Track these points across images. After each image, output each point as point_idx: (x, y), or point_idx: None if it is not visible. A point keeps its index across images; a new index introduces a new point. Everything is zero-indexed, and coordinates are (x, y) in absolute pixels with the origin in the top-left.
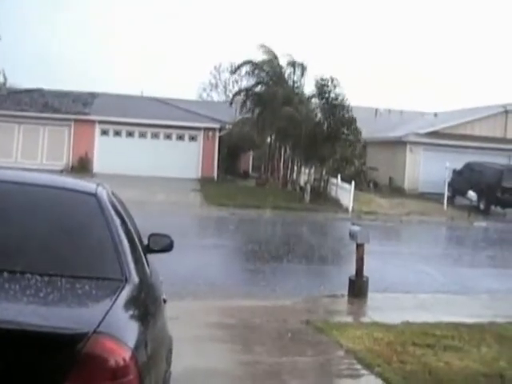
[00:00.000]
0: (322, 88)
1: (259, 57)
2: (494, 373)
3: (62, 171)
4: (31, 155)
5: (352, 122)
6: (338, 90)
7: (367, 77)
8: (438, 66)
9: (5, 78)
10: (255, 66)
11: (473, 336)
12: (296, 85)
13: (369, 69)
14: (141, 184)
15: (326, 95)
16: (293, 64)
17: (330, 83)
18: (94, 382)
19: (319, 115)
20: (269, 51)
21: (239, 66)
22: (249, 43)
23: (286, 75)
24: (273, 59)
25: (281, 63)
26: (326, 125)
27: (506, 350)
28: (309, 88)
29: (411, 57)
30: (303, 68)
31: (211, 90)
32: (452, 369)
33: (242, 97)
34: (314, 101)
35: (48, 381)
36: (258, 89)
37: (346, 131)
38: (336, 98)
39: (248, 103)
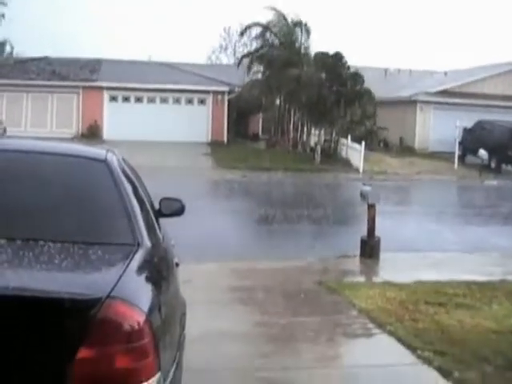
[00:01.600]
0: (325, 61)
1: (268, 18)
2: (505, 330)
3: (72, 139)
4: (40, 124)
5: (367, 93)
6: (346, 63)
7: (376, 37)
8: (448, 25)
9: (11, 47)
10: (264, 28)
11: (484, 294)
12: (303, 46)
13: (378, 28)
14: (151, 149)
15: (332, 66)
16: (300, 25)
17: (336, 59)
18: (108, 346)
19: (327, 80)
20: (278, 13)
21: (247, 28)
22: (258, 5)
23: (294, 37)
24: (282, 20)
25: (289, 25)
26: (335, 89)
27: None
28: (316, 49)
29: (421, 15)
30: (308, 31)
31: (220, 53)
32: (464, 326)
33: (249, 59)
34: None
35: (63, 347)
36: (266, 51)
37: (358, 101)
38: (344, 68)
39: (256, 65)
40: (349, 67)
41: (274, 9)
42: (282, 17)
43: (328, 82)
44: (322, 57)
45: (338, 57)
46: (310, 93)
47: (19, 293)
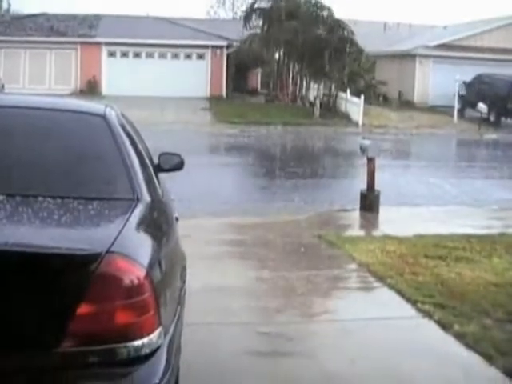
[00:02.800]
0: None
1: None
2: (504, 282)
3: (70, 95)
4: (39, 80)
5: (352, 39)
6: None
7: None
8: None
9: (8, 4)
10: None
11: (484, 247)
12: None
13: None
14: (149, 104)
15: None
16: None
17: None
18: (109, 301)
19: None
20: None
21: None
22: None
23: None
24: None
25: None
26: (329, 39)
27: None
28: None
29: None
30: None
31: (218, 8)
32: (464, 279)
33: (248, 12)
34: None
35: (63, 302)
36: (264, 4)
37: (348, 48)
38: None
39: (254, 18)
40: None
41: None
42: None
43: (321, 29)
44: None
45: (321, 5)
46: (307, 44)
47: (18, 248)
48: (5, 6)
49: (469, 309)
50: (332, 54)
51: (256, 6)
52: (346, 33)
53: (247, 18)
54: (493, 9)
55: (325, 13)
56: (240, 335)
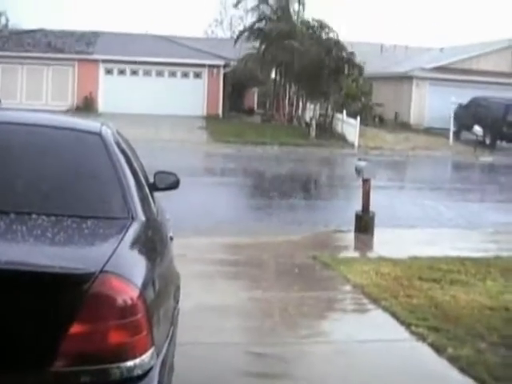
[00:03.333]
0: (314, 30)
1: None
2: (499, 306)
3: (67, 111)
4: (36, 96)
5: (351, 60)
6: (330, 34)
7: (372, 12)
8: (444, 1)
9: (6, 19)
10: (260, 1)
11: (478, 270)
12: (300, 20)
13: (374, 3)
14: (146, 122)
15: (321, 36)
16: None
17: (320, 28)
18: (102, 321)
19: (320, 51)
20: None
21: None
22: None
23: (291, 11)
24: None
25: None
26: (327, 61)
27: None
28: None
29: None
30: (304, 4)
31: (216, 27)
32: (458, 302)
33: (247, 32)
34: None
35: (56, 321)
36: (262, 24)
37: (346, 69)
38: (330, 39)
39: (252, 39)
40: (329, 32)
41: None
42: None
43: (317, 50)
44: (306, 23)
45: (321, 24)
46: (305, 64)
47: (12, 267)
48: (3, 21)
49: (463, 332)
50: (330, 75)
51: (254, 25)
52: (344, 54)
53: (240, 36)
54: (489, 32)
55: (324, 33)
56: (233, 355)
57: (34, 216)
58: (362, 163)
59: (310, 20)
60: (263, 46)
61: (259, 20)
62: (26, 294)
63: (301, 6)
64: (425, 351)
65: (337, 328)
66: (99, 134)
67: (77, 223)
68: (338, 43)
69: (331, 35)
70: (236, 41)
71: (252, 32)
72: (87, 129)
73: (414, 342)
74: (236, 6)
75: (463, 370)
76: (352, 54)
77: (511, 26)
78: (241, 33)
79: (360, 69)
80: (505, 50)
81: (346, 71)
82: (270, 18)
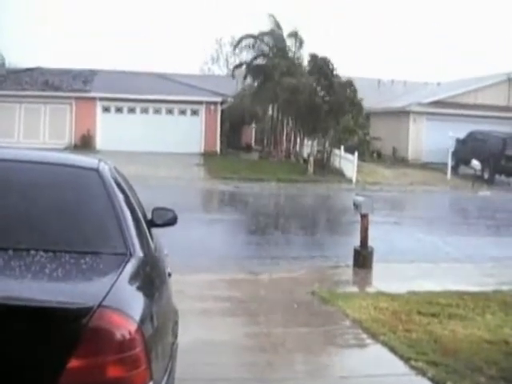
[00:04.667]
0: (317, 66)
1: (261, 28)
2: (498, 339)
3: (64, 149)
4: (33, 134)
5: (355, 99)
6: (334, 71)
7: (370, 47)
8: (441, 37)
9: (3, 58)
10: (256, 39)
11: (477, 304)
12: (296, 56)
13: (371, 39)
14: (144, 160)
15: (325, 75)
16: (294, 35)
17: (324, 64)
18: (100, 355)
19: (320, 88)
20: (273, 21)
21: (240, 40)
22: (250, 15)
23: (287, 47)
24: (275, 29)
25: (283, 34)
26: (327, 97)
27: (511, 317)
28: (307, 60)
29: (414, 27)
30: (301, 40)
31: (213, 64)
32: (457, 336)
33: (243, 70)
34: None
35: (54, 356)
36: (259, 61)
37: (348, 106)
38: (333, 76)
39: (249, 76)
40: (333, 70)
41: (272, 16)
42: (276, 27)
43: (318, 87)
44: (311, 60)
45: (325, 61)
46: (304, 102)
47: (10, 302)
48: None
49: (462, 366)
50: (329, 112)
51: (251, 63)
52: (348, 91)
53: (236, 69)
54: (486, 66)
55: (328, 70)
56: None
57: (32, 252)
58: (360, 198)
59: (310, 56)
60: (260, 83)
61: (256, 57)
62: (24, 329)
63: (297, 43)
64: None
65: (335, 363)
66: (97, 170)
67: (75, 259)
68: (346, 81)
69: (335, 73)
70: (232, 74)
71: (249, 69)
72: (85, 165)
73: (414, 376)
74: (234, 48)
75: None
76: (355, 91)
77: (508, 60)
78: (236, 66)
79: (360, 107)
80: (502, 83)
81: (346, 108)
82: (267, 54)
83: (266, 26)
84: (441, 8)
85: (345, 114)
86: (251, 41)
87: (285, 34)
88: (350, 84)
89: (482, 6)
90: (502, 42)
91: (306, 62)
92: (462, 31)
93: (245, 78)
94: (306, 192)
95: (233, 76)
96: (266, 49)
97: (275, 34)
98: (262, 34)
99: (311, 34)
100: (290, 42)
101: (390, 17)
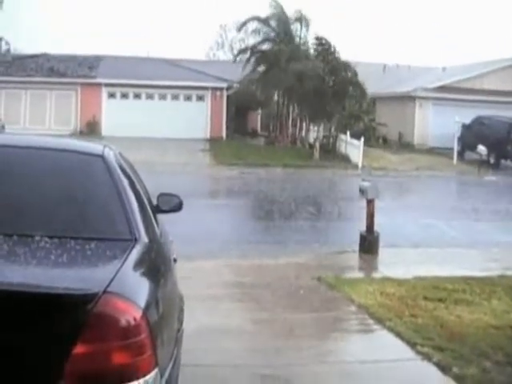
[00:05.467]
0: (321, 50)
1: (266, 12)
2: (504, 325)
3: (70, 135)
4: (39, 121)
5: (356, 81)
6: (337, 54)
7: (375, 32)
8: (446, 21)
9: (8, 44)
10: (262, 22)
11: (483, 289)
12: (302, 41)
13: (376, 24)
14: (149, 145)
15: (327, 57)
16: (299, 19)
17: (327, 47)
18: (105, 341)
19: (325, 71)
20: (277, 5)
21: (245, 23)
22: (255, 1)
23: (293, 32)
24: (280, 13)
25: (288, 17)
26: (331, 82)
27: None
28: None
29: (419, 11)
30: (307, 23)
31: (218, 50)
32: (463, 322)
33: (247, 55)
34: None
35: (59, 342)
36: (265, 46)
37: (351, 89)
38: (336, 58)
39: (254, 61)
40: (336, 52)
41: (275, 0)
42: (281, 11)
43: (323, 71)
44: (316, 43)
45: (328, 43)
46: (309, 87)
47: (15, 288)
48: (3, 46)
49: (468, 351)
50: (333, 96)
51: (256, 48)
52: (349, 74)
53: (240, 54)
54: (491, 51)
55: (329, 53)
56: (238, 377)
57: (37, 238)
58: (366, 183)
59: (315, 38)
60: (266, 68)
61: (261, 42)
62: (29, 315)
63: (303, 27)
64: (430, 371)
65: (342, 349)
66: (101, 156)
67: (80, 245)
68: (345, 63)
69: (337, 55)
70: (235, 57)
71: (254, 54)
72: (90, 151)
73: (420, 361)
74: (239, 30)
75: None
76: (356, 74)
77: None
78: (241, 51)
79: (362, 90)
80: (508, 68)
81: (349, 92)
82: (272, 39)
83: (270, 10)
84: None
85: (346, 96)
86: (256, 25)
87: (292, 18)
88: (348, 66)
89: None
90: (507, 26)
91: (310, 45)
92: (465, 15)
93: (249, 62)
94: (312, 177)
95: (236, 61)
96: (271, 34)
97: (281, 18)
98: (268, 18)
99: (316, 20)
100: (295, 27)
101: (394, 1)
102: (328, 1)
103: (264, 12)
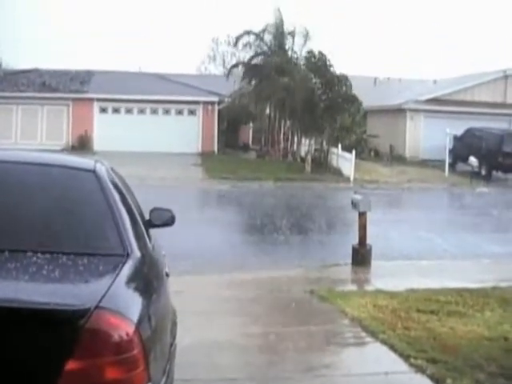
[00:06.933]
0: (315, 64)
1: (258, 25)
2: (497, 336)
3: (62, 150)
4: (31, 136)
5: (353, 97)
6: (331, 67)
7: (365, 46)
8: (436, 34)
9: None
10: (256, 36)
11: (476, 301)
12: (296, 55)
13: (367, 37)
14: (141, 160)
15: (321, 71)
16: (293, 34)
17: (322, 60)
18: (98, 357)
19: (317, 85)
20: (278, 15)
21: (239, 37)
22: (246, 15)
23: (287, 45)
24: (278, 25)
25: (284, 30)
26: (324, 96)
27: (510, 313)
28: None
29: (409, 24)
30: (306, 36)
31: (209, 64)
32: (456, 333)
33: (239, 69)
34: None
35: (52, 358)
36: (257, 60)
37: (346, 105)
38: (330, 72)
39: (246, 75)
40: (330, 66)
41: (277, 10)
42: (280, 22)
43: (315, 84)
44: (308, 57)
45: (322, 56)
46: (300, 100)
47: (7, 304)
48: None
49: (462, 363)
50: (325, 110)
51: (249, 62)
52: (343, 88)
53: (232, 69)
54: (482, 63)
55: (323, 66)
56: None
57: (29, 254)
58: (358, 196)
59: (307, 52)
60: (257, 82)
61: (253, 56)
62: (21, 331)
63: (299, 40)
64: (424, 383)
65: (335, 362)
66: (93, 171)
67: (72, 260)
68: (339, 77)
69: (331, 69)
70: (228, 74)
71: (246, 68)
72: (81, 166)
73: (413, 374)
74: (234, 45)
75: None
76: (350, 87)
77: (503, 56)
78: (233, 66)
79: (357, 102)
80: (499, 80)
81: (344, 107)
82: (264, 52)
83: (261, 25)
84: (434, 5)
85: (342, 110)
86: (249, 39)
87: (285, 32)
88: (345, 79)
89: (476, 2)
90: (497, 38)
91: (304, 58)
92: (455, 28)
93: (243, 77)
94: (304, 191)
95: (229, 75)
96: (264, 47)
97: (278, 30)
98: (262, 31)
99: (309, 33)
100: (289, 40)
101: (383, 15)
102: (318, 16)
103: (255, 25)
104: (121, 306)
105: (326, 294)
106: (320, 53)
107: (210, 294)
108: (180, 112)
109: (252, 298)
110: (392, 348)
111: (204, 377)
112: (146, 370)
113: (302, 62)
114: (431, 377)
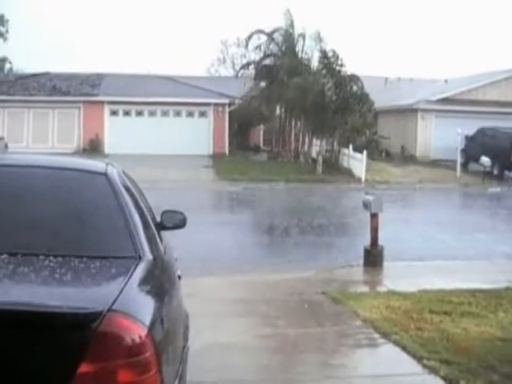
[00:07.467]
0: (327, 64)
1: (270, 28)
2: (511, 337)
3: (73, 154)
4: (42, 139)
5: (364, 97)
6: (343, 67)
7: (376, 46)
8: (447, 33)
9: (10, 63)
10: (266, 36)
11: (489, 302)
12: (307, 56)
13: (377, 37)
14: (152, 162)
15: (333, 70)
16: (303, 35)
17: (334, 60)
18: (110, 360)
19: (329, 85)
20: (288, 16)
21: (250, 36)
22: (255, 17)
23: (298, 47)
24: (288, 26)
25: (295, 32)
26: (335, 97)
27: None
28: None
29: (420, 24)
30: (318, 37)
31: (219, 66)
32: (469, 334)
33: (250, 70)
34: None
35: (65, 361)
36: (268, 61)
37: (357, 105)
38: (342, 73)
39: (257, 76)
40: (342, 65)
41: (287, 12)
42: (290, 23)
43: (327, 85)
44: (321, 57)
45: (334, 55)
46: (311, 101)
47: (20, 307)
48: (7, 66)
49: (475, 364)
50: (336, 111)
51: (260, 63)
52: (355, 88)
53: (242, 69)
54: (493, 62)
55: (336, 65)
56: None
57: (41, 257)
58: (370, 197)
59: (320, 52)
60: (268, 83)
61: (264, 57)
62: (34, 335)
63: (311, 42)
64: None
65: (348, 363)
66: (105, 174)
67: (84, 263)
68: (351, 77)
69: (343, 69)
70: (238, 73)
71: (257, 69)
72: (93, 169)
73: (427, 375)
74: (246, 45)
75: None
76: (362, 87)
77: None
78: (243, 67)
79: (368, 102)
80: (510, 79)
81: (355, 107)
82: (275, 53)
83: (271, 27)
84: (445, 4)
85: (353, 111)
86: (260, 40)
87: (298, 31)
88: (356, 79)
89: (487, 1)
90: (506, 37)
91: (315, 60)
92: (466, 27)
93: (254, 78)
94: (315, 192)
95: (239, 77)
96: (275, 48)
97: (287, 31)
98: (273, 31)
99: (320, 34)
100: (301, 42)
101: (394, 15)
102: (328, 16)
103: (265, 27)
104: (133, 308)
105: (339, 296)
106: (333, 51)
107: (222, 296)
108: (191, 114)
109: (264, 299)
110: (405, 349)
111: (216, 379)
112: (158, 372)
113: (312, 64)
114: (444, 378)
